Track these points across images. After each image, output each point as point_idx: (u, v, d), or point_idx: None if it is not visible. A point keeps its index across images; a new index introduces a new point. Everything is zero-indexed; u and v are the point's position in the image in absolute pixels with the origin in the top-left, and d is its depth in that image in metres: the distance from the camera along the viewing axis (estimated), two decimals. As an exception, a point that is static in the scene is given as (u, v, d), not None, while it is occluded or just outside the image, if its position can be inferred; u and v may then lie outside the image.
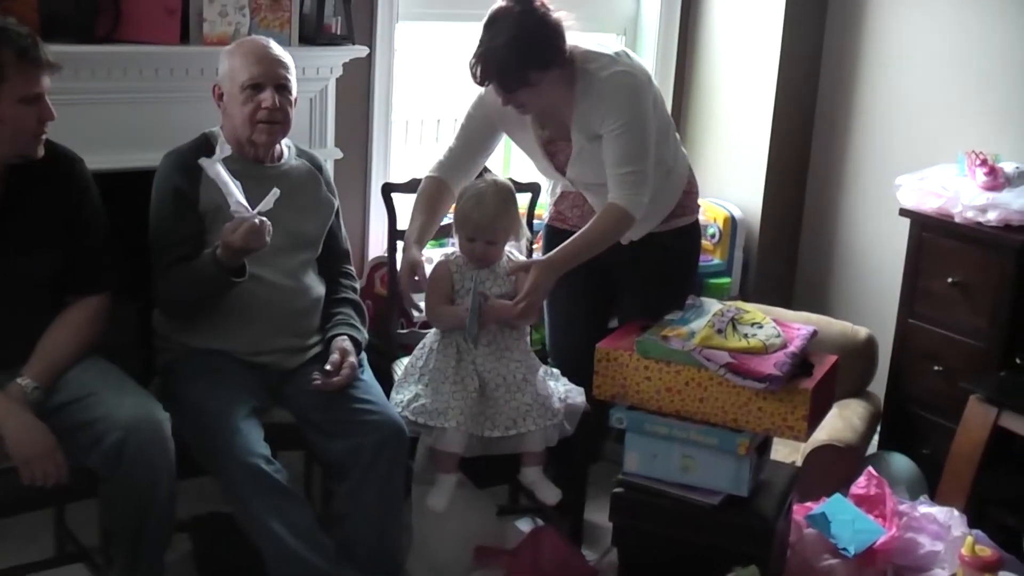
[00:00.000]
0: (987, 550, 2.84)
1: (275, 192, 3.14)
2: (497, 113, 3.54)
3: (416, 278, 3.47)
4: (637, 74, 3.47)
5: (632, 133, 3.42)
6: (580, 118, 3.48)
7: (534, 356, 3.55)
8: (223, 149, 3.20)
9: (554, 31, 3.37)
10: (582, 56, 3.46)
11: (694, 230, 3.86)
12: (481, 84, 3.42)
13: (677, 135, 3.74)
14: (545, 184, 3.90)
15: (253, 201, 3.12)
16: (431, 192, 3.63)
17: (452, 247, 3.55)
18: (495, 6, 3.38)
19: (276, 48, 3.39)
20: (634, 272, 3.69)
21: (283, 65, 3.36)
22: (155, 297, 3.36)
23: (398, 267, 3.62)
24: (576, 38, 3.46)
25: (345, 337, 3.43)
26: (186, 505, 3.33)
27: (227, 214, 3.17)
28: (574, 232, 3.62)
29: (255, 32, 3.69)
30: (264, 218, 3.11)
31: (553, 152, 3.63)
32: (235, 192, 3.10)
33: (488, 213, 3.42)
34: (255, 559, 3.15)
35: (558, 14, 3.39)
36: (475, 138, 3.66)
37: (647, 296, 3.71)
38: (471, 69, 3.38)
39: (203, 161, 3.13)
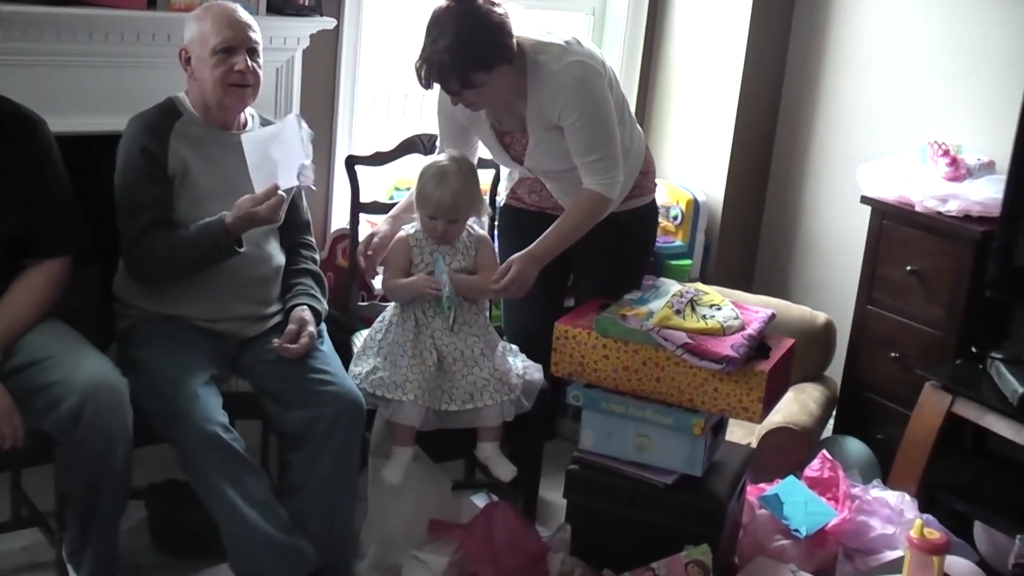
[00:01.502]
0: (935, 533, 2.85)
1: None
2: (454, 110, 3.50)
3: (371, 245, 3.48)
4: (589, 61, 3.41)
5: (594, 122, 3.40)
6: (535, 110, 3.44)
7: (493, 331, 3.55)
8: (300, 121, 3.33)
9: (497, 29, 3.28)
10: (532, 47, 3.39)
11: (651, 210, 3.84)
12: (427, 87, 3.36)
13: (632, 114, 3.70)
14: (503, 168, 3.89)
15: (222, 169, 3.20)
16: None
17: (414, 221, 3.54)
18: (436, 5, 3.30)
19: (243, 13, 3.37)
20: (591, 253, 3.65)
21: (253, 29, 3.36)
22: (128, 262, 3.33)
23: (360, 240, 3.61)
24: (525, 26, 3.39)
25: (305, 307, 3.42)
26: (142, 472, 3.32)
27: (194, 177, 3.27)
28: (531, 211, 3.63)
29: (223, -1, 3.67)
30: (283, 192, 3.23)
31: (508, 143, 3.61)
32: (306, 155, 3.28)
33: (450, 193, 3.40)
34: (210, 528, 3.15)
35: (503, 9, 3.31)
36: (453, 138, 3.64)
37: (604, 276, 3.70)
38: (416, 72, 3.32)
39: (290, 118, 3.33)
